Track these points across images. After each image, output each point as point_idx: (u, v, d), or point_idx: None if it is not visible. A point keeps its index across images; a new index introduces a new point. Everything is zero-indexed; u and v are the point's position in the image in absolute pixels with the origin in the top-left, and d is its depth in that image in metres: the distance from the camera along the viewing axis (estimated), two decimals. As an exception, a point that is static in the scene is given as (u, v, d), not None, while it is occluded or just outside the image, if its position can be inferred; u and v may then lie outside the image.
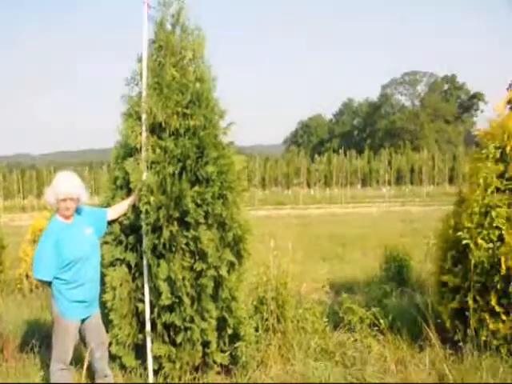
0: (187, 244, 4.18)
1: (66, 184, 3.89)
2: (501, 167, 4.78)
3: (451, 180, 46.66)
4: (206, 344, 4.27)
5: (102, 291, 4.24)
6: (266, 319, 4.78)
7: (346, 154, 50.29)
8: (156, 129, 4.28)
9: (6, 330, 5.40)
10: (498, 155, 4.81)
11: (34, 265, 3.87)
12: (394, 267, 7.43)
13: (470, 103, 76.41)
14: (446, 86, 78.48)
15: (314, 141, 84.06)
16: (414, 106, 78.63)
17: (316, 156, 52.84)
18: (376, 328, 4.93)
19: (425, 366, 4.43)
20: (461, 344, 4.57)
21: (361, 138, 78.15)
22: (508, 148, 4.79)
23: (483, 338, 4.52)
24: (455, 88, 77.89)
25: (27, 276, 7.68)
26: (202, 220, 4.16)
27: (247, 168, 47.55)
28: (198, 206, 4.14)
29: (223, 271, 4.22)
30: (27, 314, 6.25)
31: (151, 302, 4.25)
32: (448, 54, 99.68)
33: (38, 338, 5.18)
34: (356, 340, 4.87)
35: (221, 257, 4.24)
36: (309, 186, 47.27)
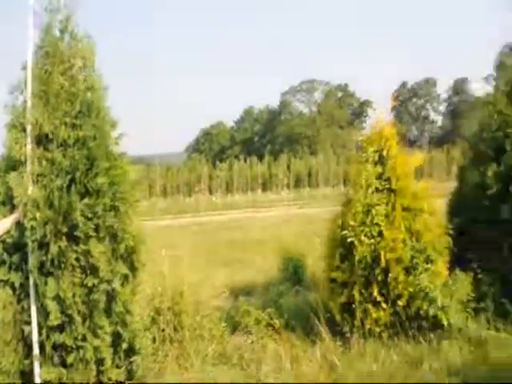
0: (77, 259, 4.03)
1: None
2: (379, 169, 5.21)
3: (345, 182, 49.25)
4: (100, 361, 4.12)
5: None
6: (163, 330, 4.76)
7: (246, 160, 51.15)
8: (43, 140, 4.09)
9: None
10: (376, 158, 5.24)
11: None
12: (291, 267, 7.73)
13: (360, 110, 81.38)
14: (339, 94, 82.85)
15: (216, 148, 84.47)
16: (311, 112, 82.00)
17: (218, 163, 53.17)
18: (272, 328, 5.11)
19: (317, 359, 4.68)
20: (348, 335, 4.91)
21: (261, 144, 79.81)
22: (385, 151, 5.24)
23: (368, 327, 4.89)
24: (347, 96, 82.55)
25: None
26: (92, 233, 4.04)
27: (148, 177, 46.84)
28: (88, 219, 4.02)
29: (116, 284, 4.13)
30: None
31: (39, 324, 4.03)
32: (341, 63, 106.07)
33: None
34: (253, 342, 5.01)
35: (113, 270, 4.14)
36: (211, 192, 47.40)
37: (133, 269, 4.37)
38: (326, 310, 5.18)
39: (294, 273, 7.66)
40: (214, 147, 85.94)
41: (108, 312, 4.16)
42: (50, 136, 4.07)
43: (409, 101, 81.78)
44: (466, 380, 4.15)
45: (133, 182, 4.40)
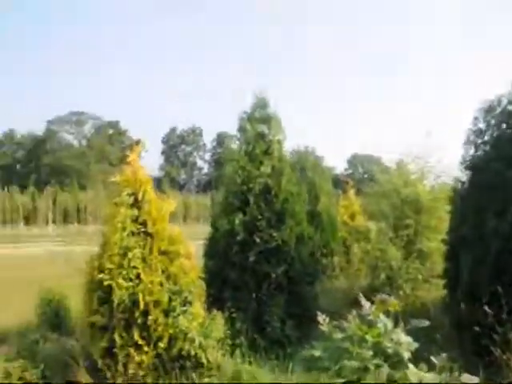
0: None
1: None
2: (135, 212, 5.20)
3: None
4: None
5: None
6: None
7: (4, 188, 46.12)
8: None
9: None
10: (131, 201, 5.22)
11: None
12: (50, 311, 7.19)
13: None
14: (110, 131, 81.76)
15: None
16: (80, 145, 78.88)
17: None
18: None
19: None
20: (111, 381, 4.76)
21: (24, 172, 72.92)
22: (140, 195, 5.27)
23: (131, 371, 4.83)
24: (119, 134, 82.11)
25: None
26: None
27: None
28: None
29: None
30: None
31: None
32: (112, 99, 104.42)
33: None
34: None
35: None
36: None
37: None
38: (88, 356, 4.95)
39: (54, 317, 7.13)
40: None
41: None
42: None
43: (179, 146, 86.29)
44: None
45: None
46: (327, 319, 4.21)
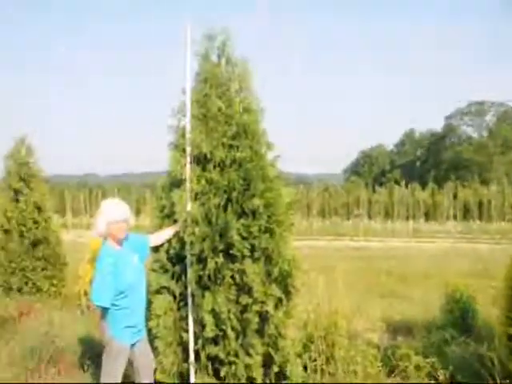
0: (233, 277, 4.07)
1: (121, 207, 3.98)
2: None
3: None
4: (250, 380, 4.08)
5: (148, 317, 4.19)
6: (315, 359, 4.54)
7: (407, 186, 48.82)
8: (201, 160, 4.24)
9: (62, 344, 5.57)
10: None
11: (94, 292, 3.86)
12: (457, 310, 6.88)
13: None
14: (517, 116, 74.03)
15: (375, 171, 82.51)
16: (481, 137, 74.97)
17: (377, 187, 51.66)
18: (434, 379, 4.52)
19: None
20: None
21: (424, 169, 75.46)
22: None
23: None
24: (528, 119, 73.39)
25: (85, 293, 7.82)
26: (247, 253, 4.05)
27: (307, 197, 47.31)
28: (243, 238, 4.05)
29: (269, 307, 4.08)
30: (83, 331, 6.36)
31: (195, 333, 4.16)
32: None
33: (90, 355, 5.30)
34: (411, 390, 4.49)
35: (267, 292, 4.09)
36: (370, 217, 46.00)
37: (287, 293, 4.27)
38: (504, 371, 4.38)
39: (461, 318, 6.79)
40: (373, 170, 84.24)
41: (260, 332, 4.12)
42: (209, 156, 4.19)
43: None
44: None
45: (288, 204, 4.29)
46: None
